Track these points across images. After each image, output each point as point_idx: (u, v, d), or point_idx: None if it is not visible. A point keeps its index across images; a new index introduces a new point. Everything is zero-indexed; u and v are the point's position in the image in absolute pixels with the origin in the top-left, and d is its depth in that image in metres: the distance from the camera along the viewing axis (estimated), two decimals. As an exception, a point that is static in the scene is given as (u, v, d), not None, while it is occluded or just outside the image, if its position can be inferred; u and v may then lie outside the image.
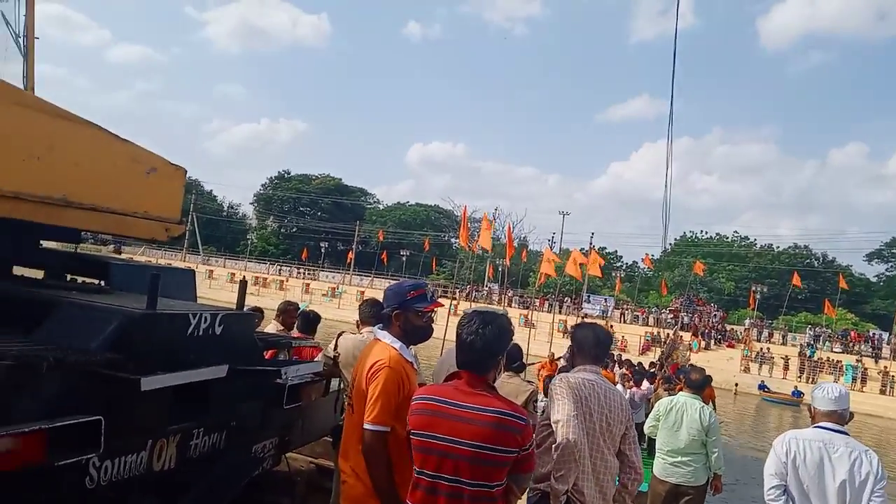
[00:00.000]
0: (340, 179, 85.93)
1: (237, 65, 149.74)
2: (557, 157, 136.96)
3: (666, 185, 10.22)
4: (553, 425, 2.98)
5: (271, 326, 5.41)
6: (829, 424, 3.24)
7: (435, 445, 2.23)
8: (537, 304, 43.65)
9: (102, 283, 3.84)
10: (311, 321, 5.42)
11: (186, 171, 4.19)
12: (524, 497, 5.21)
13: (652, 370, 14.50)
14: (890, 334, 42.09)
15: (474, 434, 2.18)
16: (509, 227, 32.31)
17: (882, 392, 32.76)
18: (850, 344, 39.14)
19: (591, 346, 3.26)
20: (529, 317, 31.19)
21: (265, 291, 48.06)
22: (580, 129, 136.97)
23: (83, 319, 2.75)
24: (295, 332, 5.38)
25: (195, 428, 3.04)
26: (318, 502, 4.33)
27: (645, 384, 11.42)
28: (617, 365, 13.85)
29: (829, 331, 42.58)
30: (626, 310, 47.22)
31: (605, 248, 74.38)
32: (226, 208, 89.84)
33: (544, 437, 3.12)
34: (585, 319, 34.96)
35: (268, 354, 3.99)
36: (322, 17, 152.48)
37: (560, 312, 42.17)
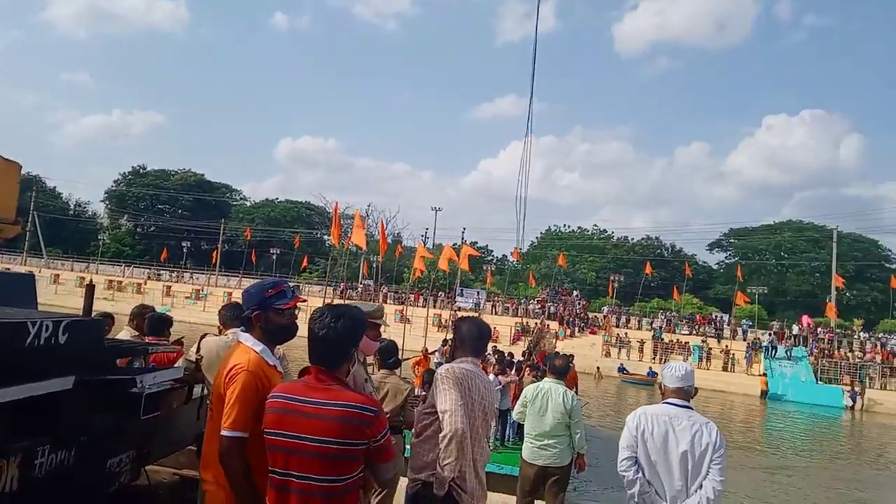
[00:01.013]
0: (203, 175, 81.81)
1: (84, 51, 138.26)
2: (430, 153, 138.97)
3: (521, 184, 10.63)
4: (440, 414, 3.03)
5: (124, 332, 5.04)
6: (675, 400, 3.53)
7: (283, 443, 2.24)
8: (412, 299, 43.99)
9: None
10: (158, 323, 5.07)
11: (21, 167, 3.81)
12: (402, 487, 5.26)
13: (519, 360, 15.14)
14: (729, 316, 46.67)
15: (320, 429, 2.19)
16: (382, 224, 32.35)
17: (724, 369, 36.20)
18: (696, 326, 42.89)
19: (475, 339, 3.37)
20: (405, 312, 31.37)
21: (120, 296, 44.74)
22: (452, 126, 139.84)
23: None
24: (149, 338, 5.05)
25: (40, 445, 2.78)
26: (183, 514, 4.13)
27: (511, 374, 12.05)
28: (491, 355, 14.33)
29: (678, 315, 46.44)
30: (497, 302, 48.79)
31: (477, 242, 76.42)
32: (72, 207, 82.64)
33: (425, 425, 3.16)
34: (460, 313, 35.72)
35: (121, 363, 3.73)
36: (179, 2, 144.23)
37: (434, 307, 42.81)
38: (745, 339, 39.79)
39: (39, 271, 48.21)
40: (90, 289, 3.36)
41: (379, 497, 4.57)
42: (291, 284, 2.91)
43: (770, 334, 40.16)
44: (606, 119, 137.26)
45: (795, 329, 41.81)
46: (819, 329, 41.56)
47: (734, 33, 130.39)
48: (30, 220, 57.44)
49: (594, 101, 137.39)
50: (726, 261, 74.66)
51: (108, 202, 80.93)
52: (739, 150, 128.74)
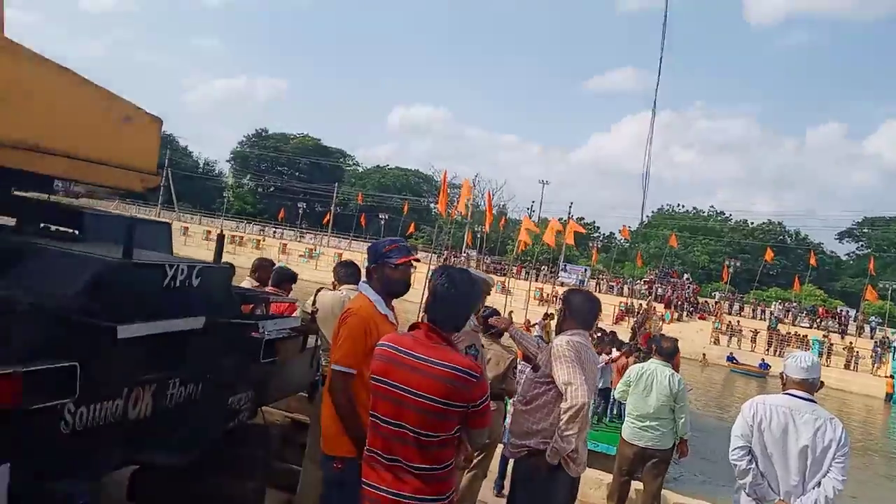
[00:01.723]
0: (319, 140, 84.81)
1: (216, 17, 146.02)
2: (540, 125, 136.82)
3: (646, 157, 10.23)
4: (563, 386, 3.05)
5: (245, 283, 5.37)
6: (798, 392, 3.32)
7: (386, 391, 2.32)
8: (514, 271, 43.91)
9: (76, 231, 3.76)
10: (286, 277, 5.38)
11: (162, 123, 4.10)
12: (499, 452, 5.31)
13: (625, 342, 14.77)
14: (857, 311, 43.22)
15: (423, 385, 2.25)
16: (489, 194, 32.34)
17: (846, 367, 33.75)
18: (818, 320, 40.09)
19: (586, 312, 3.36)
20: (506, 284, 31.39)
21: (241, 250, 47.63)
22: (563, 99, 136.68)
23: (58, 266, 2.71)
24: (269, 289, 5.36)
25: (171, 378, 3.03)
26: (293, 455, 4.38)
27: (614, 352, 11.84)
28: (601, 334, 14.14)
29: (798, 306, 43.55)
30: (602, 280, 47.74)
31: (584, 218, 74.75)
32: (201, 165, 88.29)
33: (537, 394, 3.18)
34: (562, 288, 35.29)
35: (244, 309, 3.97)
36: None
37: (537, 280, 42.50)
38: (872, 337, 36.76)
39: (172, 223, 52.14)
40: (221, 237, 3.59)
41: (476, 461, 4.64)
42: (408, 247, 3.03)
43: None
44: (731, 95, 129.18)
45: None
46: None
47: (879, 3, 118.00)
48: (164, 175, 62.01)
49: (719, 74, 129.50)
50: (857, 252, 68.91)
51: (232, 162, 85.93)
52: (881, 133, 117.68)
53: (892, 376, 31.54)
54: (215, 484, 3.68)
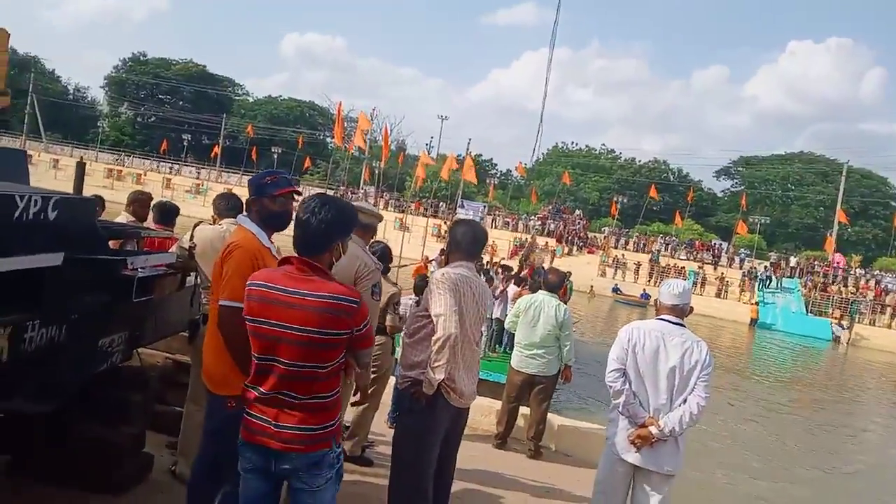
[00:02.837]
0: (205, 67, 79.43)
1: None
2: (440, 59, 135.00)
3: (544, 97, 10.30)
4: (434, 318, 3.06)
5: (121, 218, 4.98)
6: (670, 317, 3.52)
7: (265, 330, 2.28)
8: (413, 207, 43.92)
9: None
10: (168, 211, 5.06)
11: (9, 35, 3.62)
12: (391, 382, 5.36)
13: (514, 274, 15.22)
14: (729, 244, 46.81)
15: (304, 319, 2.23)
16: (386, 129, 31.79)
17: (717, 295, 36.66)
18: (695, 252, 43.09)
19: (469, 243, 3.33)
20: (405, 220, 31.37)
21: (120, 185, 44.53)
22: (464, 32, 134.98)
23: None
24: (152, 225, 5.03)
25: (29, 320, 2.77)
26: (175, 397, 4.21)
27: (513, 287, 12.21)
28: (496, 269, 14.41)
29: (677, 240, 46.57)
30: (498, 216, 48.73)
31: (482, 154, 75.53)
32: (72, 91, 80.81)
33: (418, 327, 3.19)
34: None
35: (113, 245, 3.69)
36: None
37: (435, 217, 42.79)
38: (741, 268, 40.07)
39: (39, 155, 47.82)
40: (81, 167, 3.27)
41: (368, 393, 4.66)
42: (289, 178, 2.90)
43: (767, 265, 40.43)
44: (625, 34, 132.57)
45: (794, 261, 42.08)
46: (815, 262, 41.82)
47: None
48: (29, 101, 56.27)
49: (615, 13, 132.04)
50: (732, 189, 74.06)
51: (107, 89, 79.11)
52: (759, 77, 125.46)
53: (756, 303, 34.64)
54: (90, 430, 3.50)
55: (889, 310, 33.90)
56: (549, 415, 6.20)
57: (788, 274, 39.27)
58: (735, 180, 75.40)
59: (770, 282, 37.51)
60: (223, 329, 2.65)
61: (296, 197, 2.92)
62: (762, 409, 14.83)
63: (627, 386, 3.43)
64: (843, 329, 32.03)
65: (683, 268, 39.28)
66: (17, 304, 2.69)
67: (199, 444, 3.05)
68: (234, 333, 2.58)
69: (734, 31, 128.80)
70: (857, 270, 40.98)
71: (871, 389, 21.53)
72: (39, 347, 2.85)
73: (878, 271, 42.78)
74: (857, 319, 33.20)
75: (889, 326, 33.16)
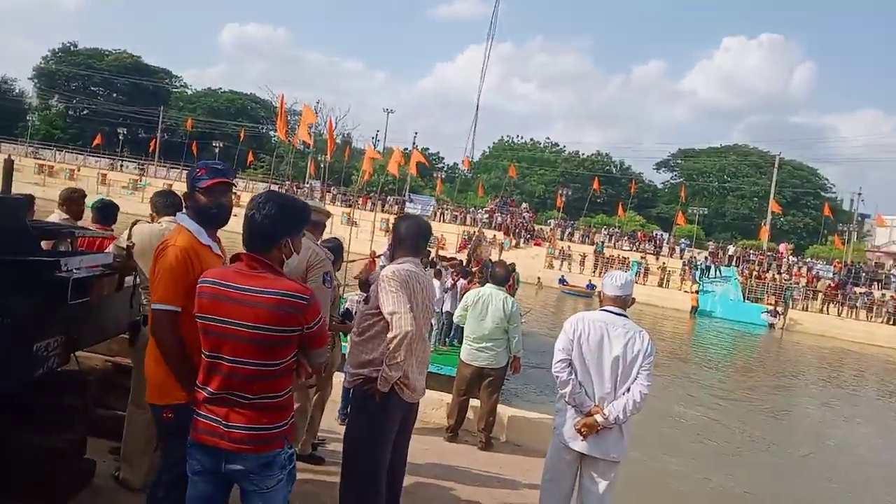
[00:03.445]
0: (139, 58, 76.65)
1: None
2: (386, 52, 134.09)
3: (479, 91, 10.38)
4: (388, 316, 3.05)
5: (54, 216, 4.77)
6: (613, 308, 3.61)
7: (215, 328, 2.25)
8: (360, 202, 43.57)
9: None
10: (107, 210, 4.86)
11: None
12: (341, 380, 5.33)
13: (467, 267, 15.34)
14: (669, 235, 48.20)
15: (252, 316, 2.21)
16: (331, 122, 31.38)
17: (660, 284, 37.70)
18: (637, 243, 44.19)
19: (413, 237, 3.33)
20: (352, 215, 31.07)
21: (52, 181, 42.59)
22: (410, 25, 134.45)
23: None
24: (91, 226, 4.83)
25: (-43, 325, 2.65)
26: (116, 400, 4.09)
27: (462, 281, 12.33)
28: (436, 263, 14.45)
29: (620, 231, 47.66)
30: (446, 209, 48.84)
31: (429, 148, 75.51)
32: (-2, 83, 76.83)
33: (369, 325, 3.17)
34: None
35: (45, 246, 3.54)
36: None
37: (383, 211, 42.56)
38: (681, 258, 41.31)
39: (-45, 149, 45.32)
40: (9, 164, 3.13)
41: (315, 389, 4.62)
42: (220, 168, 2.76)
43: (707, 254, 41.81)
44: (568, 29, 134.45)
45: (731, 250, 43.64)
46: (751, 251, 43.47)
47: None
48: (-49, 94, 53.27)
49: (557, 8, 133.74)
50: (672, 181, 76.15)
51: (36, 80, 75.57)
52: (696, 71, 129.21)
53: (696, 292, 35.78)
54: (26, 437, 3.37)
55: (820, 295, 35.52)
56: (499, 406, 6.27)
57: (726, 263, 40.70)
58: (675, 172, 77.59)
59: (709, 271, 38.80)
60: (154, 333, 2.55)
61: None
62: (707, 394, 15.35)
63: (573, 376, 3.51)
64: (777, 316, 33.39)
65: (627, 258, 40.23)
66: (-57, 309, 2.57)
67: (148, 446, 2.96)
68: (165, 337, 2.50)
69: (672, 27, 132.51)
70: (790, 258, 42.76)
71: (806, 371, 22.56)
72: (-32, 354, 2.72)
73: (809, 259, 44.76)
74: (790, 305, 34.68)
75: (820, 311, 34.75)
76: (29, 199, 4.50)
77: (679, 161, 76.68)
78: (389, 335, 3.00)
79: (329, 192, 47.53)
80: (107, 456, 3.89)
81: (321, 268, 3.58)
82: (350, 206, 37.88)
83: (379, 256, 18.81)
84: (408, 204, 47.52)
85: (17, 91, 78.18)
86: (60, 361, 3.34)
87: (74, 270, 3.11)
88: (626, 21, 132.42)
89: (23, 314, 2.95)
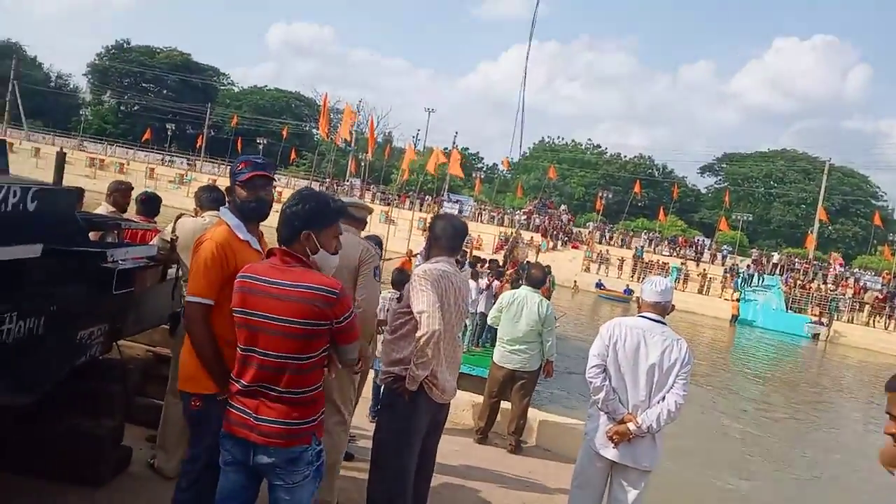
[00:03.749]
0: (189, 55, 78.51)
1: None
2: (429, 51, 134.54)
3: (521, 90, 10.32)
4: (417, 315, 3.04)
5: (101, 209, 4.91)
6: (651, 314, 3.55)
7: (248, 321, 2.30)
8: (398, 200, 43.83)
9: None
10: (151, 202, 4.99)
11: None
12: (373, 378, 5.37)
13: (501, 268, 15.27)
14: (712, 241, 47.25)
15: (283, 310, 2.25)
16: (372, 120, 31.65)
17: (699, 291, 37.01)
18: (678, 248, 43.44)
19: (449, 237, 3.32)
20: (390, 214, 31.30)
21: (102, 174, 43.96)
22: (454, 23, 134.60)
23: None
24: (135, 218, 4.97)
25: (7, 312, 2.75)
26: (155, 389, 4.19)
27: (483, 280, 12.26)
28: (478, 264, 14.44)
29: (661, 235, 46.92)
30: (484, 210, 48.77)
31: (468, 148, 75.53)
32: (54, 79, 79.57)
33: (400, 324, 3.18)
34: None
35: (93, 236, 3.65)
36: None
37: (421, 210, 42.73)
38: (723, 265, 40.45)
39: (20, 143, 47.03)
40: (61, 157, 3.24)
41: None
42: (260, 162, 2.82)
43: (749, 262, 40.85)
44: (615, 28, 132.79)
45: (776, 258, 42.54)
46: (796, 260, 42.32)
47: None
48: (10, 89, 55.34)
49: (604, 6, 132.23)
50: (716, 185, 74.67)
51: (90, 76, 78.07)
52: (745, 72, 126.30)
53: (737, 300, 34.99)
54: (69, 423, 3.48)
55: (867, 307, 34.37)
56: (530, 410, 6.24)
57: (770, 271, 39.70)
58: (719, 177, 76.05)
59: (752, 279, 37.91)
60: (187, 324, 2.62)
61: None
62: (744, 405, 15.02)
63: (607, 382, 3.47)
64: (823, 326, 32.41)
65: (666, 264, 39.56)
66: (-5, 295, 2.67)
67: (184, 436, 3.03)
68: (196, 329, 2.56)
69: (721, 26, 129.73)
70: (838, 268, 41.50)
71: (852, 387, 21.85)
72: (17, 339, 2.82)
73: (857, 269, 43.38)
74: (835, 317, 33.64)
75: (867, 324, 33.62)
76: (78, 192, 4.66)
77: (724, 165, 75.10)
78: (417, 334, 3.01)
79: (368, 190, 47.92)
80: (143, 444, 3.99)
81: (372, 263, 3.63)
82: (389, 204, 38.17)
83: (416, 255, 18.94)
84: (446, 203, 47.59)
85: (71, 86, 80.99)
86: (103, 350, 3.45)
87: (120, 261, 3.20)
88: (674, 20, 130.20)
89: (68, 302, 3.06)
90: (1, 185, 2.70)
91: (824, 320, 32.86)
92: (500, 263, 16.16)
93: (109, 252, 3.12)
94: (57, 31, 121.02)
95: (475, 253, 22.83)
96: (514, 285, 10.21)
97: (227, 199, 2.81)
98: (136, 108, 76.25)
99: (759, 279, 37.96)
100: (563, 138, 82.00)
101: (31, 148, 48.58)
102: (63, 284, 3.03)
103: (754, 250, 47.08)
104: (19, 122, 56.44)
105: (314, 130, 73.78)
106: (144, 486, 3.58)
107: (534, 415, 6.34)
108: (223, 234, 2.64)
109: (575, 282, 35.81)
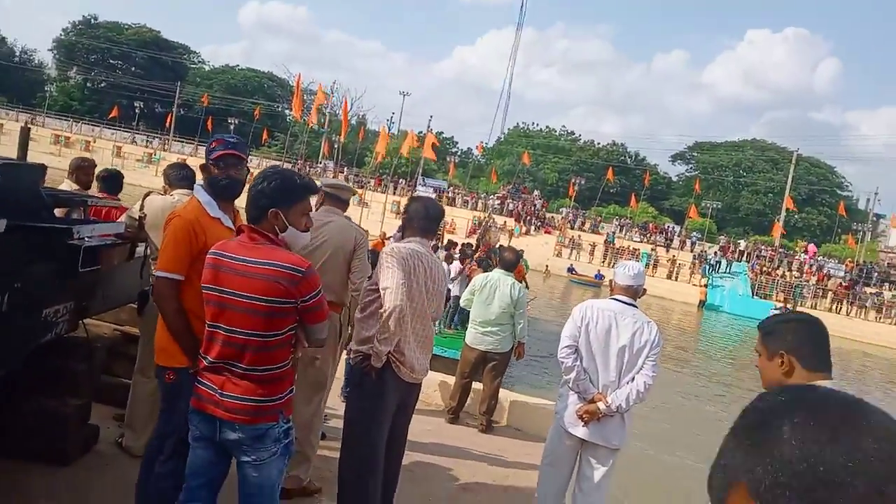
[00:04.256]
0: (159, 32, 76.64)
1: None
2: (405, 34, 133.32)
3: (507, 77, 10.32)
4: (381, 292, 3.06)
5: (64, 185, 4.80)
6: (623, 297, 3.60)
7: (216, 297, 2.30)
8: (372, 184, 43.59)
9: None
10: (113, 179, 4.89)
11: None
12: (343, 357, 5.38)
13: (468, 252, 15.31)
14: (681, 228, 47.93)
15: (249, 287, 2.25)
16: (346, 102, 31.36)
17: (668, 277, 37.55)
18: (649, 234, 43.98)
19: (422, 218, 3.33)
20: (363, 196, 31.10)
21: (67, 152, 42.78)
22: (431, 7, 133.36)
23: None
24: (98, 195, 4.86)
25: (-30, 289, 2.68)
26: (122, 368, 4.14)
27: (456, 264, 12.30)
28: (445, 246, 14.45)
29: (632, 222, 47.44)
30: (458, 194, 48.76)
31: (443, 132, 75.27)
32: (18, 53, 77.14)
33: (369, 301, 3.19)
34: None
35: (59, 213, 3.57)
36: None
37: (394, 193, 42.55)
38: (692, 251, 41.08)
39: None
40: (25, 132, 3.16)
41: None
42: (233, 141, 2.84)
43: (717, 249, 41.57)
44: (591, 15, 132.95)
45: (743, 245, 43.32)
46: (762, 247, 43.18)
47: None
48: (-30, 62, 53.51)
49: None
50: (686, 174, 75.54)
51: (56, 52, 75.85)
52: (718, 63, 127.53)
53: (705, 285, 35.60)
54: (34, 401, 3.43)
55: (830, 294, 35.26)
56: (501, 390, 6.30)
57: (737, 258, 40.44)
58: (690, 165, 76.92)
59: (719, 265, 38.59)
60: (156, 300, 2.64)
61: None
62: (710, 386, 15.35)
63: (579, 363, 3.52)
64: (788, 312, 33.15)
65: (637, 250, 40.04)
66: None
67: (153, 415, 3.02)
68: (166, 304, 2.57)
69: (696, 16, 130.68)
70: (802, 256, 42.44)
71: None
72: (-20, 316, 2.76)
73: (821, 257, 44.39)
74: (800, 303, 34.44)
75: (830, 310, 34.49)
76: (41, 168, 4.54)
77: (695, 154, 76.00)
78: (381, 310, 3.03)
79: (342, 172, 47.52)
80: (111, 422, 3.95)
81: (365, 246, 3.65)
82: (362, 187, 37.91)
83: (389, 238, 18.92)
84: (419, 187, 47.44)
85: (36, 62, 78.60)
86: (69, 328, 3.39)
87: (86, 238, 3.14)
88: (650, 8, 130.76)
89: (33, 279, 2.99)
90: (-38, 159, 2.63)
91: (789, 306, 33.64)
92: (473, 247, 16.19)
93: (76, 229, 3.06)
94: (21, 5, 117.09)
95: (448, 237, 22.91)
96: (484, 268, 10.27)
97: (199, 176, 2.79)
98: (103, 84, 74.39)
99: (726, 266, 38.64)
100: (537, 124, 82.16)
101: (-8, 124, 47.14)
102: (28, 261, 2.96)
103: (722, 237, 47.88)
104: (-19, 97, 54.69)
105: (287, 111, 72.74)
106: (112, 465, 3.55)
107: (505, 395, 6.41)
108: (193, 210, 2.66)
109: (547, 266, 36.10)
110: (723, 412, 13.04)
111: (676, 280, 37.45)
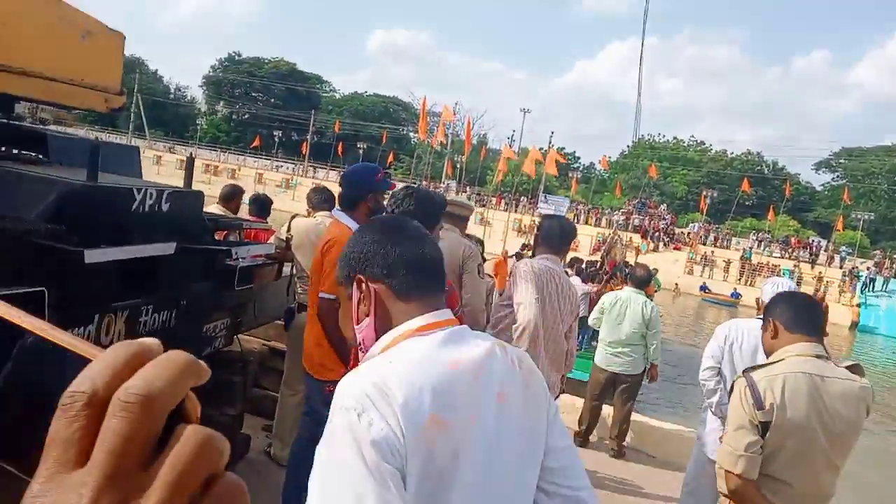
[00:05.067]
0: (295, 65, 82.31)
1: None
2: (525, 51, 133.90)
3: (638, 82, 10.07)
4: (515, 307, 3.08)
5: (214, 209, 5.27)
6: (771, 317, 3.37)
7: None
8: (494, 202, 43.90)
9: (41, 155, 3.63)
10: (263, 204, 5.32)
11: (125, 38, 3.89)
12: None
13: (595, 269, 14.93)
14: (828, 242, 44.17)
15: None
16: (468, 122, 31.84)
17: (814, 296, 34.69)
18: (790, 250, 40.91)
19: (556, 236, 3.36)
20: (485, 215, 31.40)
21: (216, 180, 46.71)
22: (550, 22, 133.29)
23: (20, 189, 2.61)
24: (249, 218, 5.28)
25: (143, 305, 2.99)
26: (270, 381, 4.43)
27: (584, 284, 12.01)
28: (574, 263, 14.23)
29: (770, 236, 44.34)
30: (581, 211, 47.95)
31: (564, 147, 74.49)
32: (173, 90, 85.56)
33: (501, 317, 3.21)
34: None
35: (218, 236, 3.91)
36: None
37: (516, 211, 42.60)
38: (841, 267, 37.73)
39: (144, 151, 50.69)
40: (190, 161, 3.49)
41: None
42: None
43: (871, 265, 37.89)
44: (720, 19, 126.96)
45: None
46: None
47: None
48: (134, 101, 59.90)
49: None
50: (832, 182, 69.78)
51: (205, 87, 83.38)
52: (864, 62, 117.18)
53: (858, 305, 32.54)
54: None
55: None
56: (634, 414, 6.08)
57: (894, 274, 36.62)
58: (836, 173, 70.96)
59: (873, 283, 35.11)
60: (322, 319, 2.85)
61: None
62: (875, 418, 13.94)
63: (721, 385, 3.34)
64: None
65: (777, 266, 37.36)
66: (134, 290, 2.92)
67: (297, 426, 3.21)
68: (331, 323, 2.78)
69: (837, 13, 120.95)
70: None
71: None
72: (152, 331, 3.06)
73: None
74: (974, 325, 30.60)
75: None
76: (202, 195, 5.01)
77: (842, 161, 69.97)
78: (515, 325, 3.03)
79: (464, 191, 48.23)
80: (260, 432, 4.22)
81: (474, 260, 3.70)
82: (484, 206, 38.29)
83: (511, 257, 18.93)
84: (541, 204, 47.16)
85: (188, 98, 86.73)
86: (226, 342, 3.68)
87: (241, 259, 3.41)
88: (787, 9, 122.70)
89: (197, 297, 3.29)
90: (140, 188, 2.94)
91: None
92: (598, 265, 15.79)
93: (234, 250, 3.33)
94: (176, 46, 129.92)
95: (572, 254, 22.54)
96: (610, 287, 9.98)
97: (341, 201, 3.01)
98: (246, 116, 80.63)
99: (882, 283, 35.09)
100: (662, 136, 79.29)
101: (153, 156, 52.35)
102: (192, 280, 3.26)
103: (877, 252, 43.56)
104: (143, 131, 61.02)
105: (411, 134, 75.25)
106: (262, 472, 3.78)
107: (637, 419, 6.18)
108: (345, 235, 2.81)
109: (676, 284, 34.52)
110: (893, 448, 11.79)
111: (824, 299, 34.51)
